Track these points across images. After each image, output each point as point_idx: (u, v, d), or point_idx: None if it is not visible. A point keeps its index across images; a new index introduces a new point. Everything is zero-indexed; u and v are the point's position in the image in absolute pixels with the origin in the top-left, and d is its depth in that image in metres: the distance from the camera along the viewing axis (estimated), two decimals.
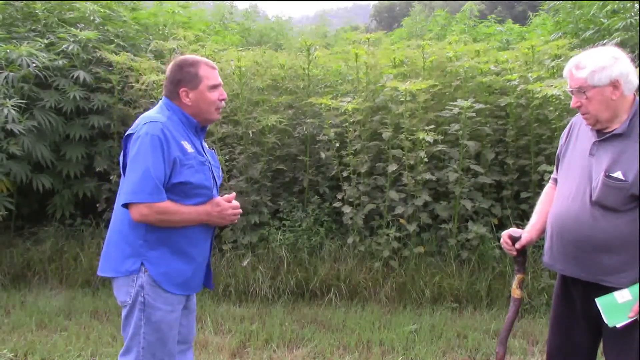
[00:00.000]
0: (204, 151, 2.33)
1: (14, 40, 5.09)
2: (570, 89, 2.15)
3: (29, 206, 5.40)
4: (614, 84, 2.06)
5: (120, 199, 2.16)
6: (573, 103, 2.15)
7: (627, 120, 2.08)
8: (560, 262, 2.21)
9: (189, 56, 2.34)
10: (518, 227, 2.46)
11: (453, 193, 4.59)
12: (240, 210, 2.36)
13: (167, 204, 2.13)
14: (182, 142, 2.19)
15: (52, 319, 4.04)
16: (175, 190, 2.16)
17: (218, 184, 2.39)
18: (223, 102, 2.32)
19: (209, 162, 2.32)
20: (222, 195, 2.35)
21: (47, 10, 5.71)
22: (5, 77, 4.79)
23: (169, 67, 2.31)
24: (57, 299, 4.48)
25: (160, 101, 2.32)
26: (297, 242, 4.70)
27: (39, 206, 5.41)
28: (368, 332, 3.84)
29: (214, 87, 2.27)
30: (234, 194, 2.36)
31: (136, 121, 2.23)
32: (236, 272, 4.57)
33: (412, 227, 4.55)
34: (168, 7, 6.85)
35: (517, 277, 2.37)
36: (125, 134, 2.21)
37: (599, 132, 2.15)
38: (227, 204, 2.29)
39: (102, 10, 5.79)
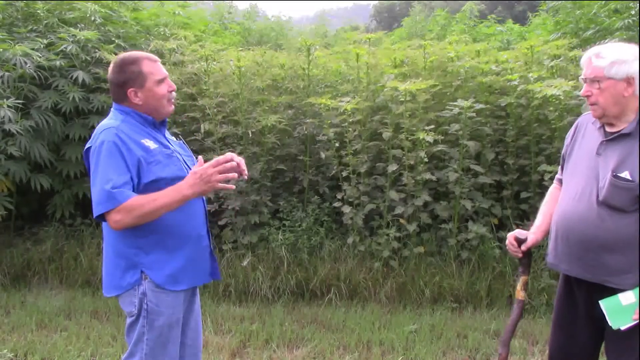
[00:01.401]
0: (170, 143, 2.28)
1: (10, 41, 5.07)
2: (584, 77, 2.12)
3: (28, 206, 5.41)
4: (629, 81, 2.04)
5: (94, 213, 2.09)
6: (583, 91, 2.13)
7: (635, 120, 2.07)
8: (565, 263, 2.20)
9: (128, 54, 2.25)
10: (518, 227, 2.46)
11: (453, 193, 4.59)
12: (232, 164, 2.10)
13: (134, 199, 2.02)
14: (142, 140, 2.13)
15: (52, 319, 4.04)
16: (151, 189, 2.09)
17: None
18: (173, 92, 2.25)
19: (178, 153, 2.27)
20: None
21: (48, 11, 5.70)
22: (1, 77, 4.78)
23: (110, 70, 2.22)
24: (57, 299, 4.48)
25: (112, 108, 2.25)
26: (297, 242, 4.70)
27: (38, 206, 5.41)
28: (368, 332, 3.84)
29: (161, 80, 2.20)
30: (200, 157, 2.17)
31: (93, 133, 2.18)
32: (236, 272, 4.57)
33: (412, 227, 4.55)
34: (169, 7, 6.85)
35: (522, 279, 2.36)
36: (85, 149, 2.17)
37: (607, 131, 2.14)
38: (205, 166, 2.06)
39: (102, 10, 5.79)
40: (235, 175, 2.13)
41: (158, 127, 2.27)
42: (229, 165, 2.09)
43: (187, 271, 2.22)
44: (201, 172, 2.05)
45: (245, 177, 2.23)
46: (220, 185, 2.08)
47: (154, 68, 2.19)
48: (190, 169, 2.24)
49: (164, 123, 2.31)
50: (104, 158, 2.05)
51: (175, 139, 2.39)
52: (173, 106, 2.28)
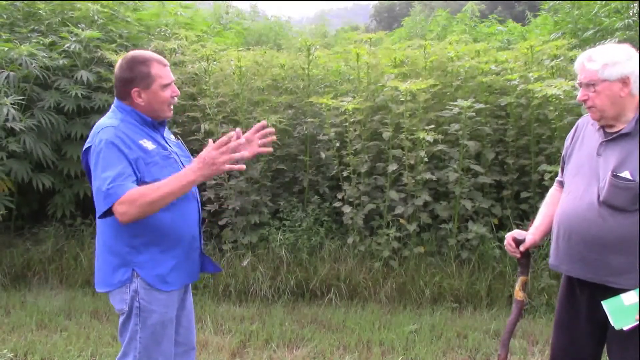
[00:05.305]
0: (167, 144, 2.27)
1: (16, 41, 5.08)
2: (579, 82, 2.14)
3: (29, 206, 5.40)
4: (624, 81, 2.05)
5: (97, 212, 2.09)
6: (580, 96, 2.14)
7: (634, 119, 2.07)
8: (566, 263, 2.19)
9: (139, 53, 2.23)
10: (518, 227, 2.46)
11: (453, 193, 4.59)
12: (238, 142, 2.03)
13: (134, 190, 2.00)
14: (141, 141, 2.13)
15: (52, 319, 4.04)
16: None
17: None
18: (176, 98, 2.24)
19: (176, 154, 2.26)
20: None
21: (50, 10, 5.70)
22: (6, 77, 4.79)
23: (118, 66, 2.20)
24: (57, 299, 4.48)
25: (112, 105, 2.24)
26: (297, 242, 4.70)
27: (39, 206, 5.41)
28: (368, 332, 3.84)
29: (167, 85, 2.19)
30: (210, 140, 2.08)
31: (91, 132, 2.16)
32: (236, 272, 4.57)
33: (412, 227, 4.55)
34: (170, 7, 6.85)
35: (520, 279, 2.36)
36: (84, 148, 2.15)
37: (606, 132, 2.14)
38: (208, 149, 2.02)
39: (105, 10, 5.78)
40: (245, 154, 2.08)
41: (157, 127, 2.26)
42: (233, 145, 2.02)
43: (176, 272, 2.21)
44: (205, 156, 2.01)
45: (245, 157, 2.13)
46: (228, 166, 2.03)
47: (162, 72, 2.18)
48: None
49: (163, 123, 2.31)
50: (105, 156, 2.05)
51: (173, 138, 2.38)
52: (172, 112, 2.26)
